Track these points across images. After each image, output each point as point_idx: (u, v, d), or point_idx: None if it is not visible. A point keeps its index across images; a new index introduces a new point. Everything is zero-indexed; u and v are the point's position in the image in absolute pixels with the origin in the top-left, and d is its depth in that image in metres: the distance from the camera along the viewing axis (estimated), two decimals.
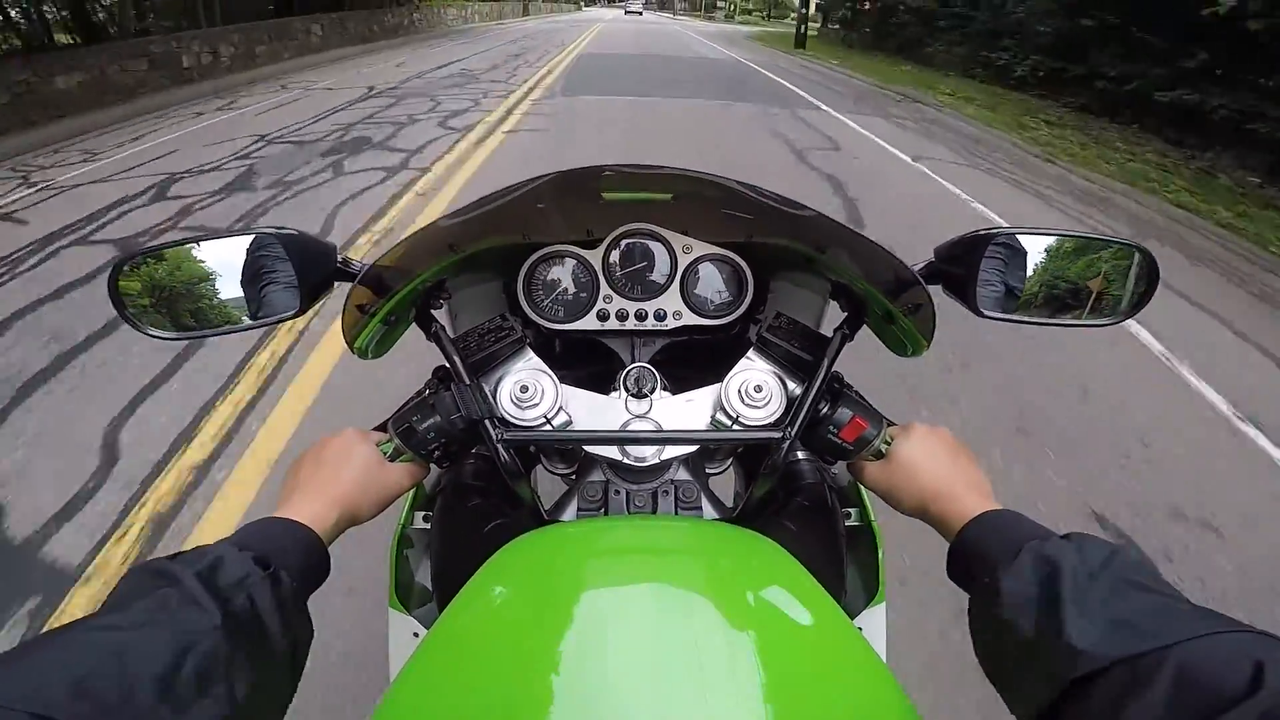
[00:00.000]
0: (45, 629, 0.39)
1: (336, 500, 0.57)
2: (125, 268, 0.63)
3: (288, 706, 0.45)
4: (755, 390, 0.65)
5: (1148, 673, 0.33)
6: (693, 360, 0.89)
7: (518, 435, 0.63)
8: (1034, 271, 0.68)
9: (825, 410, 0.65)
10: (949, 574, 0.55)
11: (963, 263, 0.66)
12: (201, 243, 0.64)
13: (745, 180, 0.60)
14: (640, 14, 63.31)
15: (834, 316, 0.83)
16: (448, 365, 0.67)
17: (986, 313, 0.66)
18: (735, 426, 0.65)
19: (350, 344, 0.63)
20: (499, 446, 0.61)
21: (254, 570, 0.43)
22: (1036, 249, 0.68)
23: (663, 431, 0.67)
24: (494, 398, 0.64)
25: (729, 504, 0.76)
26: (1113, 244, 0.69)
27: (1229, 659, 0.32)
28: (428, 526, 0.80)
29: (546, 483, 0.90)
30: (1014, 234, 0.67)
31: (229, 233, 0.64)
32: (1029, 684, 0.41)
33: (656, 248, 0.84)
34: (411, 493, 0.84)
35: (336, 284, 0.68)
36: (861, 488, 0.85)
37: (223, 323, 0.65)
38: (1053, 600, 0.40)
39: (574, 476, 0.80)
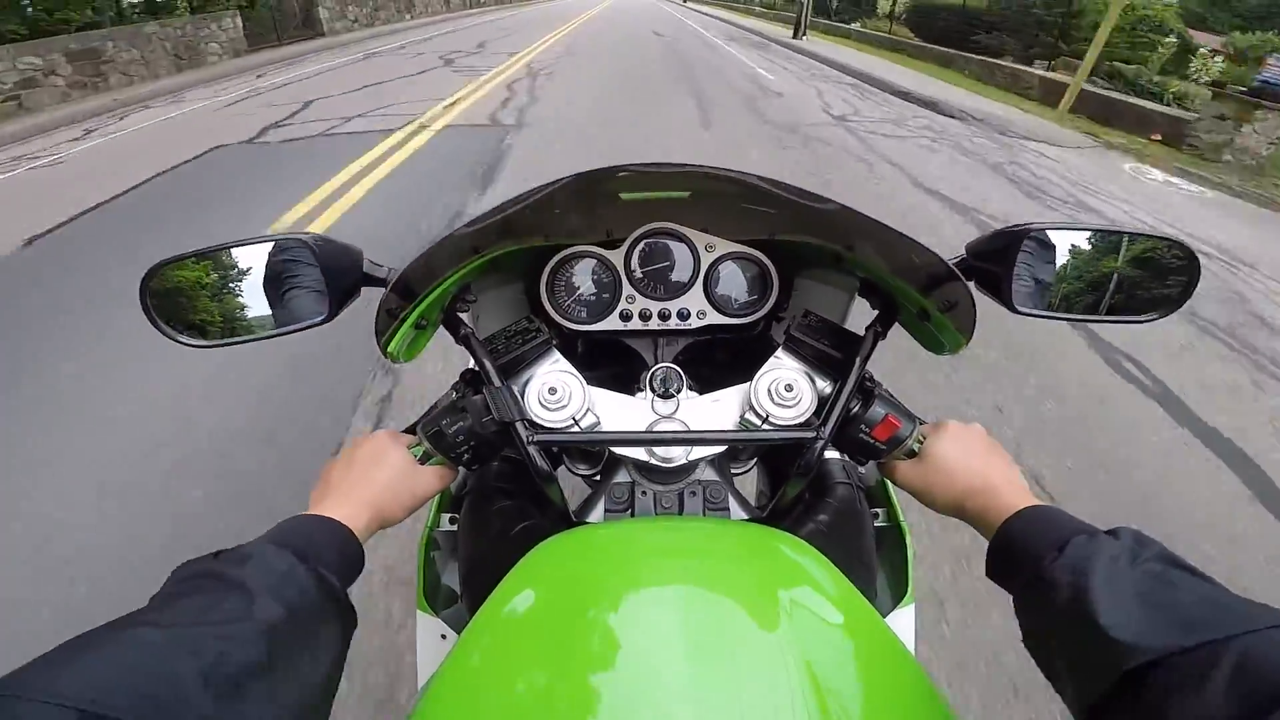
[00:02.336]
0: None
1: (368, 502, 0.57)
2: (155, 275, 0.63)
3: (334, 695, 0.45)
4: (786, 389, 0.64)
5: (1205, 665, 0.32)
6: (715, 360, 0.88)
7: (548, 437, 0.63)
8: (1071, 267, 0.66)
9: (857, 409, 0.64)
10: (988, 572, 0.54)
11: (998, 259, 0.64)
12: (230, 249, 0.64)
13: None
14: None
15: (858, 314, 0.82)
16: (475, 368, 0.67)
17: (1022, 310, 0.64)
18: (765, 426, 0.64)
19: (383, 349, 0.63)
20: (531, 449, 0.61)
21: (295, 565, 0.44)
22: (1073, 244, 0.66)
23: (694, 432, 0.66)
24: (522, 399, 0.64)
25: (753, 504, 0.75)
26: (1151, 239, 0.67)
27: None
28: (454, 529, 0.80)
29: (569, 483, 0.90)
30: (1050, 230, 0.65)
31: (256, 239, 0.64)
32: (1081, 676, 0.40)
33: (678, 247, 0.84)
34: (439, 496, 0.84)
35: (363, 289, 0.68)
36: (889, 488, 0.84)
37: (251, 330, 0.66)
38: (1103, 592, 0.40)
39: (598, 478, 0.80)
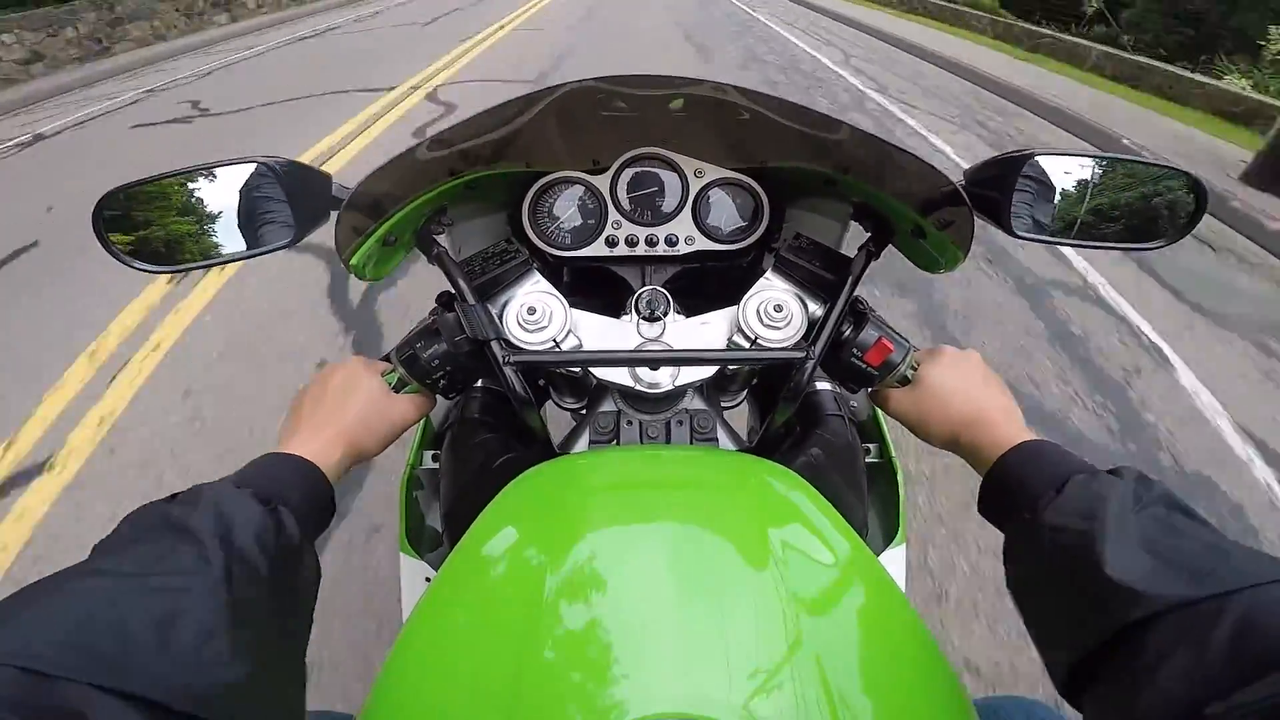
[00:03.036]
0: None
1: (341, 435, 0.55)
2: (112, 200, 0.60)
3: (305, 649, 0.44)
4: (775, 310, 0.62)
5: (1207, 619, 0.31)
6: (705, 291, 0.86)
7: (525, 358, 0.61)
8: (1072, 193, 0.64)
9: (849, 333, 0.62)
10: (980, 509, 0.53)
11: (997, 184, 0.62)
12: (191, 173, 0.61)
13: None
14: None
15: (852, 243, 0.79)
16: (451, 290, 0.64)
17: (1021, 234, 0.62)
18: (753, 349, 0.63)
19: (345, 261, 0.60)
20: (507, 370, 0.59)
21: (254, 509, 0.41)
22: (1074, 171, 0.64)
23: (679, 351, 0.64)
24: (501, 321, 0.62)
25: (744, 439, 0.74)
26: (1156, 166, 0.65)
27: None
28: (437, 466, 0.79)
29: (556, 419, 0.89)
30: (1051, 155, 0.63)
31: (220, 162, 0.60)
32: (1073, 628, 0.39)
33: (667, 174, 0.81)
34: (419, 432, 0.83)
35: (332, 213, 0.65)
36: (881, 423, 0.83)
37: (213, 254, 0.63)
38: (1102, 537, 0.38)
39: (584, 412, 0.79)
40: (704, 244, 0.81)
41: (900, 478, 0.79)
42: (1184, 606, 0.33)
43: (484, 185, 0.74)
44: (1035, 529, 0.43)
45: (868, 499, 0.75)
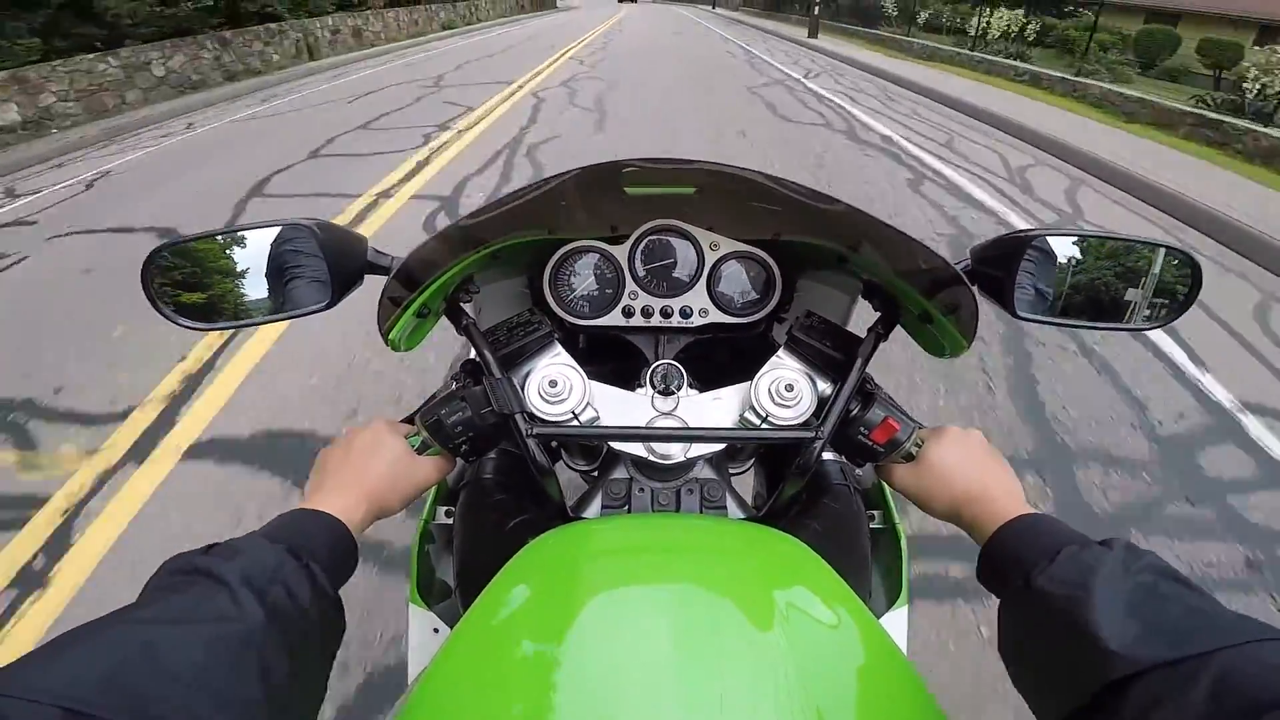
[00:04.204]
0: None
1: (365, 493, 0.57)
2: (159, 257, 0.63)
3: (323, 697, 0.45)
4: (786, 389, 0.64)
5: (1186, 678, 0.32)
6: (716, 359, 0.88)
7: (548, 430, 0.62)
8: (1074, 274, 0.66)
9: (856, 411, 0.64)
10: (979, 577, 0.54)
11: (1001, 264, 0.64)
12: (234, 233, 0.64)
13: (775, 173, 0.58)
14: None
15: (861, 315, 0.82)
16: (476, 359, 0.66)
17: (1024, 315, 0.64)
18: (764, 425, 0.64)
19: (384, 336, 0.63)
20: (529, 442, 0.61)
21: (287, 562, 0.43)
22: (1076, 251, 0.66)
23: (693, 429, 0.66)
24: (523, 391, 0.64)
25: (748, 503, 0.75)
26: (1156, 247, 0.67)
27: (1270, 666, 0.31)
28: (450, 521, 0.80)
29: (566, 478, 0.90)
30: (1053, 235, 0.65)
31: (261, 223, 0.64)
32: (1060, 687, 0.40)
33: (682, 245, 0.84)
34: (434, 489, 0.84)
35: (367, 277, 0.68)
36: (885, 490, 0.84)
37: (254, 314, 0.65)
38: (1089, 602, 0.39)
39: (595, 473, 0.80)
40: (717, 316, 0.84)
41: (904, 543, 0.80)
42: (1166, 666, 0.34)
43: (506, 253, 0.77)
44: (1028, 595, 0.44)
45: (871, 564, 0.75)
